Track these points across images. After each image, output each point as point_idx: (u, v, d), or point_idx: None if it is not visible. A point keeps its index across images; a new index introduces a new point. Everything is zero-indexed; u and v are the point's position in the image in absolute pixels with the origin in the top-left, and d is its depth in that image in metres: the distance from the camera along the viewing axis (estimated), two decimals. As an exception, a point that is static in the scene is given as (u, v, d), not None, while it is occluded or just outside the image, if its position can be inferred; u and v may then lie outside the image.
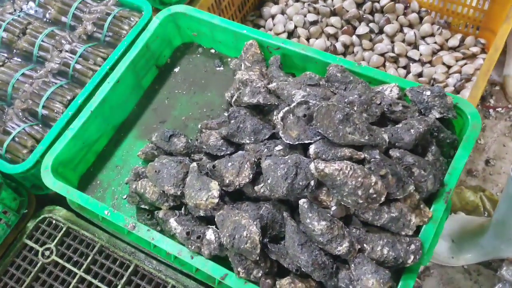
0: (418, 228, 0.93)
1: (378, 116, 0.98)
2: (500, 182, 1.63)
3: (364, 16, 1.74)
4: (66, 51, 1.37)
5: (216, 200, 0.94)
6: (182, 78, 1.36)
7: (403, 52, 1.68)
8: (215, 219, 0.96)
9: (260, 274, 0.92)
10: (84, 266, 1.12)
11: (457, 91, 1.58)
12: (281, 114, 0.97)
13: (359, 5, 1.77)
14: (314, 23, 1.74)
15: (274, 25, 1.80)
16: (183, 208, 1.04)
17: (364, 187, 0.85)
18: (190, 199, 0.97)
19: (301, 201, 0.88)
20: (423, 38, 1.74)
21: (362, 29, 1.71)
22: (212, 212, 0.98)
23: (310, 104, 0.96)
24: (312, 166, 0.86)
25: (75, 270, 1.12)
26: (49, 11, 1.48)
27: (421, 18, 1.76)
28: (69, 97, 1.29)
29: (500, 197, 1.29)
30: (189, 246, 0.96)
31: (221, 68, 1.36)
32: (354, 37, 1.72)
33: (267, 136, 1.01)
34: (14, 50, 1.45)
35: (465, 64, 1.66)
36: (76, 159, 1.21)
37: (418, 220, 0.92)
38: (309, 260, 0.85)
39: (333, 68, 1.08)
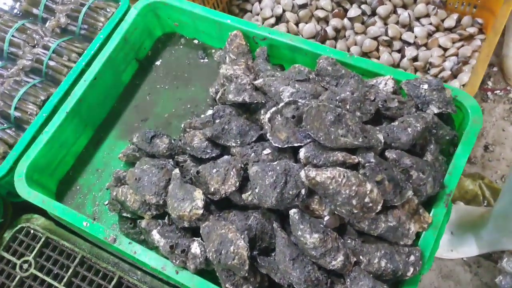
0: (418, 234, 0.87)
1: (372, 114, 0.91)
2: (500, 169, 1.58)
3: (355, -3, 1.65)
4: (39, 46, 1.28)
5: (201, 211, 0.87)
6: (164, 72, 1.28)
7: (397, 35, 1.60)
8: (200, 231, 0.89)
9: (249, 289, 0.86)
10: (65, 280, 1.05)
11: (454, 75, 1.51)
12: (268, 115, 0.89)
13: (350, -14, 1.68)
14: (303, 6, 1.65)
15: (261, 9, 1.71)
16: (166, 217, 0.97)
17: (358, 196, 0.78)
18: (172, 210, 0.90)
19: (292, 212, 0.82)
20: (417, 19, 1.65)
21: (353, 11, 1.62)
22: (197, 222, 0.91)
23: (299, 104, 0.88)
24: (302, 174, 0.80)
25: (55, 284, 1.05)
26: (19, 3, 1.38)
27: (415, -2, 1.67)
28: (43, 97, 1.21)
29: (502, 189, 1.24)
30: (174, 261, 0.90)
31: (205, 60, 1.28)
32: (345, 20, 1.63)
33: (254, 139, 0.94)
34: (-17, 46, 1.36)
35: (462, 45, 1.58)
36: (53, 163, 1.14)
37: (417, 227, 0.86)
38: (302, 277, 0.79)
39: (323, 61, 1.00)
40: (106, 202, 1.11)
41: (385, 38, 1.58)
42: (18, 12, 1.39)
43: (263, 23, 1.70)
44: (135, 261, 1.03)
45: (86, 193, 1.15)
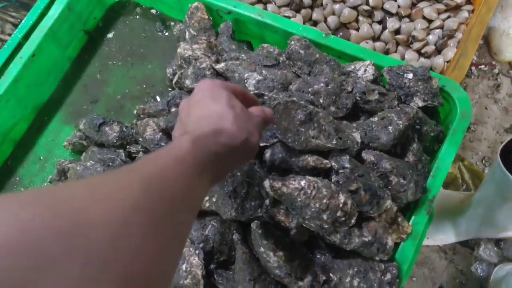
0: (395, 244, 0.78)
1: (349, 109, 0.79)
2: (481, 150, 1.49)
3: (335, -39, 1.49)
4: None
5: (150, 220, 0.76)
6: (117, 46, 1.13)
7: (378, 4, 1.46)
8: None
9: (206, 308, 0.76)
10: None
11: (438, 50, 1.39)
12: (229, 109, 0.77)
13: None
14: (277, -31, 1.49)
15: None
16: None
17: (330, 210, 0.68)
18: (118, 217, 0.78)
19: (254, 225, 0.71)
20: (401, -14, 1.51)
21: (332, -24, 1.47)
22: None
23: (265, 98, 0.76)
24: (266, 183, 0.68)
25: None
26: None
27: (399, -38, 1.52)
28: (-27, 76, 1.05)
29: (484, 177, 1.15)
30: (121, 273, 0.79)
31: (164, 33, 1.13)
32: (323, -14, 1.48)
33: (213, 134, 0.82)
34: None
35: (448, 17, 1.45)
36: (-13, 152, 1.00)
37: (395, 237, 0.77)
38: (263, 300, 0.70)
39: (295, 43, 0.87)
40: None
41: (366, 7, 1.43)
42: None
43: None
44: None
45: (27, 185, 1.02)
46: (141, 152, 0.93)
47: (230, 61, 0.87)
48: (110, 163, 0.88)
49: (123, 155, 0.92)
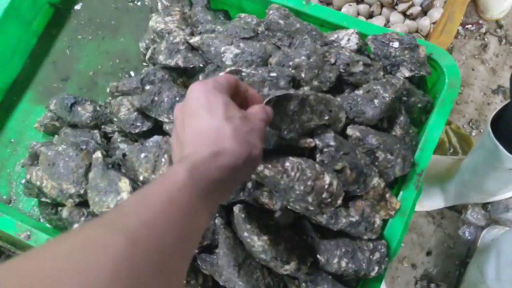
0: (383, 221, 0.76)
1: (332, 82, 0.75)
2: (468, 113, 1.47)
3: None
4: None
5: (128, 207, 0.72)
6: (86, 19, 1.06)
7: (362, -37, 1.39)
8: (129, 229, 0.75)
9: (191, 293, 0.74)
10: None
11: (424, 11, 1.34)
12: (205, 87, 0.72)
13: None
14: None
15: None
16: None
17: (315, 192, 0.65)
18: (94, 205, 0.75)
19: (236, 209, 0.68)
20: None
21: None
22: (126, 216, 0.76)
23: (243, 74, 0.71)
24: (247, 166, 0.65)
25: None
26: None
27: None
28: None
29: (474, 144, 1.14)
30: (100, 262, 0.76)
31: (136, 3, 1.06)
32: None
33: (190, 114, 0.77)
34: None
35: (434, -24, 1.40)
36: (-46, 138, 0.95)
37: (383, 214, 0.74)
38: (249, 287, 0.67)
39: (274, 12, 0.81)
40: (23, 181, 0.94)
41: (348, -32, 1.37)
42: None
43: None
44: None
45: (-1, 169, 0.98)
46: (116, 133, 0.88)
47: (206, 34, 0.82)
48: (84, 146, 0.84)
49: (98, 136, 0.88)
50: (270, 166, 0.64)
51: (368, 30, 0.84)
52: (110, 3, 1.06)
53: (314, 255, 0.71)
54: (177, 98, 0.77)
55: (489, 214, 1.35)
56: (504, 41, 1.51)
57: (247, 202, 0.70)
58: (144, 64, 1.01)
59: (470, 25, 1.54)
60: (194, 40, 0.81)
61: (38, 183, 0.84)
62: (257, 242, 0.67)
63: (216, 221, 0.72)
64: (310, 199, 0.65)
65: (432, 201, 1.33)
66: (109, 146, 0.87)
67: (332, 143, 0.68)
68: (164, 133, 0.78)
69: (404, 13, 1.34)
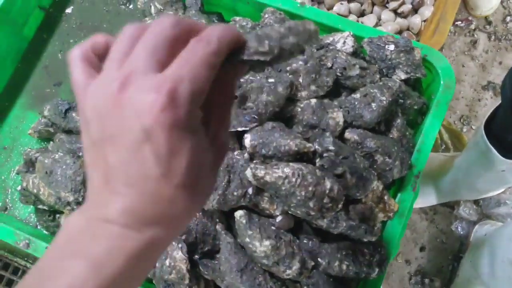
0: (382, 223, 0.77)
1: (330, 86, 0.75)
2: (459, 109, 1.48)
3: None
4: None
5: (128, 215, 0.72)
6: (78, 22, 1.05)
7: (352, -38, 1.39)
8: (130, 237, 0.74)
9: (192, 299, 0.74)
10: (-22, 282, 0.90)
11: (415, 9, 1.35)
12: (204, 93, 0.72)
13: None
14: None
15: None
16: (90, 213, 0.82)
17: (316, 197, 0.65)
18: (93, 213, 0.74)
19: (238, 215, 0.68)
20: None
21: None
22: (125, 224, 0.76)
23: (242, 80, 0.71)
24: (248, 173, 0.65)
25: (-34, 288, 0.90)
26: None
27: None
28: None
29: (468, 143, 1.15)
30: (101, 270, 0.76)
31: (128, 7, 1.05)
32: None
33: (188, 120, 0.77)
34: None
35: (424, -27, 1.41)
36: None
37: (381, 216, 0.75)
38: (252, 292, 0.68)
39: (269, 16, 0.81)
40: (19, 188, 0.93)
41: (339, -34, 1.37)
42: None
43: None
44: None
45: (-6, 177, 0.96)
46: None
47: (202, 39, 0.81)
48: (81, 153, 0.83)
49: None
50: (271, 172, 0.64)
51: (363, 32, 0.84)
52: (101, 6, 1.05)
53: (315, 259, 0.71)
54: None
55: (481, 209, 1.37)
56: (493, 37, 1.53)
57: (247, 208, 0.71)
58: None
59: (460, 22, 1.55)
60: (190, 45, 0.80)
61: (35, 190, 0.83)
62: (259, 248, 0.67)
63: (217, 226, 0.72)
64: (311, 204, 0.65)
65: (425, 198, 1.34)
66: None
67: (331, 147, 0.69)
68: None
69: (395, 11, 1.35)
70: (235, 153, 0.70)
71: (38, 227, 0.91)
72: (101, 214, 0.31)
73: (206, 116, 0.34)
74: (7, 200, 0.94)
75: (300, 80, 0.73)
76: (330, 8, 1.32)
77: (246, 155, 0.70)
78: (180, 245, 0.70)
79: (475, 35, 1.54)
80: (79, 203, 0.80)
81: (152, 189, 0.30)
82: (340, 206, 0.68)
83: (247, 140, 0.70)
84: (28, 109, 1.00)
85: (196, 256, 0.74)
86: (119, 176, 0.30)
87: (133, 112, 0.29)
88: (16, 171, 0.93)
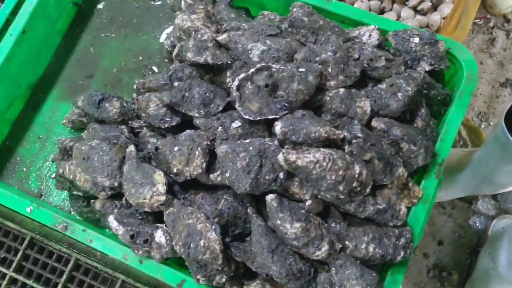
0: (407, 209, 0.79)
1: (357, 76, 0.78)
2: (477, 106, 1.50)
3: None
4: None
5: (163, 198, 0.76)
6: (109, 17, 1.09)
7: (372, -40, 1.42)
8: (164, 219, 0.78)
9: (224, 280, 0.77)
10: (14, 264, 0.94)
11: (434, 6, 1.37)
12: (236, 82, 0.75)
13: None
14: None
15: None
16: (124, 198, 0.85)
17: (346, 181, 0.68)
18: (130, 196, 0.78)
19: (269, 198, 0.71)
20: None
21: None
22: (159, 207, 0.79)
23: (273, 70, 0.74)
24: (280, 157, 0.68)
25: (3, 269, 0.94)
26: None
27: None
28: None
29: (486, 137, 1.17)
30: (136, 251, 0.79)
31: (157, 2, 1.09)
32: None
33: (220, 108, 0.80)
34: None
35: (443, -29, 1.43)
36: (-16, 135, 0.98)
37: (406, 202, 0.78)
38: (283, 271, 0.71)
39: (297, 10, 0.84)
40: (54, 175, 0.97)
41: (359, -36, 1.40)
42: None
43: None
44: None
45: (29, 165, 1.00)
46: (144, 128, 0.91)
47: (232, 31, 0.85)
48: (115, 141, 0.87)
49: (126, 131, 0.91)
50: (302, 156, 0.67)
51: (388, 26, 0.87)
52: (131, 2, 1.09)
53: (343, 242, 0.74)
54: (207, 94, 0.80)
55: (499, 204, 1.39)
56: (511, 35, 1.54)
57: (277, 192, 0.74)
58: (166, 61, 1.04)
59: (478, 20, 1.57)
60: (222, 37, 0.84)
61: (71, 176, 0.87)
62: (290, 230, 0.70)
63: (248, 210, 0.76)
64: (341, 188, 0.68)
65: (443, 193, 1.36)
66: (138, 141, 0.89)
67: (359, 134, 0.72)
68: (195, 127, 0.82)
69: (415, 9, 1.37)
70: (266, 139, 0.73)
71: (72, 213, 0.94)
72: None
73: None
74: (42, 187, 0.98)
75: (329, 70, 0.76)
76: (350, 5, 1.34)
77: (276, 142, 0.73)
78: (213, 227, 0.73)
79: (493, 33, 1.55)
80: (113, 188, 0.84)
81: None
82: (368, 190, 0.71)
83: (278, 127, 0.73)
84: (61, 100, 1.04)
85: (227, 239, 0.77)
86: None
87: None
88: (51, 159, 0.97)
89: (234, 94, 0.75)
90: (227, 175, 0.72)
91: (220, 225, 0.74)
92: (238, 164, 0.70)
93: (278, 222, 0.71)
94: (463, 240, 1.39)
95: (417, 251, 1.39)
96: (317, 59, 0.77)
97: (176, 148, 0.78)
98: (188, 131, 0.79)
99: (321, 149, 0.68)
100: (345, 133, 0.72)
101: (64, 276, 0.93)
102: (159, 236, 0.78)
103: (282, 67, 0.74)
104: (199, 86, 0.81)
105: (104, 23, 1.08)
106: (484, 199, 1.39)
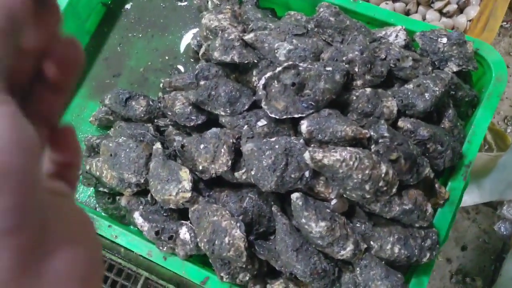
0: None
1: (384, 76, 0.78)
2: (503, 110, 1.48)
3: None
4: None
5: (189, 195, 0.76)
6: (136, 18, 1.11)
7: (397, -38, 1.41)
8: (189, 216, 0.79)
9: (247, 278, 0.77)
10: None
11: (460, 9, 1.36)
12: (263, 81, 0.75)
13: None
14: None
15: None
16: (149, 195, 0.86)
17: (372, 180, 0.68)
18: (156, 193, 0.79)
19: (294, 197, 0.71)
20: None
21: None
22: (184, 204, 0.80)
23: (300, 68, 0.74)
24: (306, 155, 0.68)
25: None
26: None
27: None
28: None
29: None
30: (160, 247, 0.80)
31: (184, 3, 1.10)
32: None
33: (246, 107, 0.81)
34: None
35: (469, -26, 1.42)
36: (14, 131, 0.99)
37: (432, 203, 0.77)
38: (307, 270, 0.70)
39: (324, 10, 0.85)
40: (80, 172, 0.99)
41: (385, -34, 1.39)
42: None
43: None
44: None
45: (56, 162, 1.02)
46: (170, 126, 0.92)
47: (259, 31, 0.85)
48: (141, 138, 0.88)
49: (152, 129, 0.92)
50: (328, 155, 0.67)
51: (415, 26, 0.86)
52: (158, 3, 1.11)
53: (368, 242, 0.74)
54: (233, 92, 0.81)
55: (525, 209, 1.36)
56: (539, 38, 1.52)
57: (302, 191, 0.74)
58: (192, 60, 1.05)
59: (505, 23, 1.55)
60: (249, 36, 0.84)
61: (97, 173, 0.88)
62: (315, 229, 0.70)
63: (273, 208, 0.76)
64: (367, 187, 0.68)
65: (468, 197, 1.34)
66: (164, 138, 0.91)
67: (386, 133, 0.71)
68: (221, 126, 0.82)
69: (440, 11, 1.36)
70: (292, 137, 0.73)
71: (97, 209, 0.96)
72: None
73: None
74: (69, 183, 1.00)
75: (356, 69, 0.76)
76: (375, 7, 1.34)
77: (301, 140, 0.73)
78: (238, 224, 0.73)
79: (521, 36, 1.53)
80: (139, 185, 0.85)
81: None
82: (394, 190, 0.70)
83: (304, 126, 0.74)
84: (89, 98, 1.06)
85: (251, 237, 0.77)
86: None
87: None
88: (78, 155, 0.99)
89: (260, 93, 0.75)
90: (253, 173, 0.72)
91: (244, 222, 0.75)
92: (263, 162, 0.71)
93: (303, 220, 0.71)
94: (488, 246, 1.37)
95: (440, 256, 1.37)
96: (344, 58, 0.77)
97: (202, 146, 0.78)
98: (214, 129, 0.80)
99: (348, 148, 0.68)
100: (372, 133, 0.72)
101: (89, 271, 0.95)
102: (184, 233, 0.79)
103: (309, 66, 0.74)
104: (225, 84, 0.81)
105: (131, 23, 1.10)
106: (510, 204, 1.36)
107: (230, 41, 0.84)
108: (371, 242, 0.73)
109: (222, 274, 0.77)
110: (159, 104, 0.94)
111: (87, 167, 0.91)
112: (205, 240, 0.74)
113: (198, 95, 0.83)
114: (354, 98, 0.76)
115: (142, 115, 0.93)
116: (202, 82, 0.86)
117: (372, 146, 0.72)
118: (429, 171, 0.74)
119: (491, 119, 0.81)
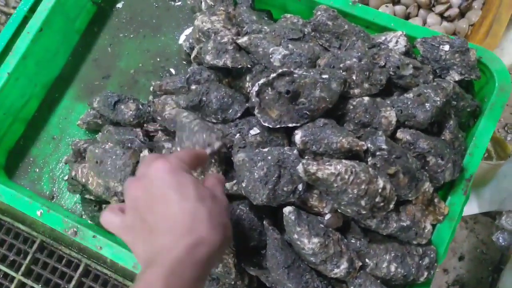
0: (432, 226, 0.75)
1: (383, 85, 0.74)
2: (503, 117, 1.45)
3: None
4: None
5: (176, 206, 0.72)
6: (128, 17, 1.07)
7: (398, -36, 1.38)
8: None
9: (236, 294, 0.74)
10: (23, 268, 0.92)
11: (462, 13, 1.33)
12: (256, 88, 0.72)
13: None
14: None
15: None
16: (136, 204, 0.82)
17: (368, 196, 0.64)
18: (142, 203, 0.75)
19: (287, 210, 0.68)
20: None
21: None
22: (172, 215, 0.76)
23: (295, 75, 0.71)
24: (300, 168, 0.65)
25: (12, 273, 0.92)
26: None
27: None
28: (-23, 53, 1.00)
29: None
30: (146, 260, 0.77)
31: (177, 3, 1.06)
32: None
33: (238, 114, 0.77)
34: None
35: (472, -23, 1.38)
36: (-2, 132, 0.96)
37: (431, 219, 0.74)
38: (299, 289, 0.67)
39: (321, 13, 0.81)
40: (66, 177, 0.95)
41: (385, -32, 1.36)
42: None
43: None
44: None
45: (42, 166, 0.98)
46: (160, 131, 0.89)
47: (253, 34, 0.82)
48: (129, 144, 0.85)
49: (141, 134, 0.88)
50: (323, 167, 0.64)
51: (416, 32, 0.83)
52: (151, 2, 1.07)
53: (363, 259, 0.70)
54: (225, 99, 0.77)
55: (525, 220, 1.33)
56: (541, 44, 1.49)
57: (295, 205, 0.70)
58: (184, 62, 1.01)
59: (506, 28, 1.51)
60: (242, 40, 0.80)
61: (83, 180, 0.85)
62: (308, 245, 0.66)
63: (264, 222, 0.72)
64: (363, 203, 0.64)
65: (466, 207, 1.31)
66: (152, 145, 0.87)
67: (384, 146, 0.68)
68: (211, 133, 0.78)
69: (441, 15, 1.32)
70: (285, 148, 0.69)
71: (83, 217, 0.92)
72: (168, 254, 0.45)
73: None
74: (54, 189, 0.96)
75: (354, 77, 0.72)
76: (375, 10, 1.30)
77: (295, 151, 0.69)
78: (227, 238, 0.69)
79: (523, 42, 1.50)
80: (126, 193, 0.81)
81: (177, 209, 0.47)
82: (392, 206, 0.67)
83: (298, 136, 0.70)
84: (76, 100, 1.02)
85: (242, 252, 0.73)
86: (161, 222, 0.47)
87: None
88: (64, 160, 0.95)
89: (253, 100, 0.72)
90: (244, 185, 0.69)
91: (234, 236, 0.71)
92: (255, 173, 0.67)
93: (295, 236, 0.67)
94: (485, 256, 1.34)
95: (437, 266, 1.34)
96: (341, 65, 0.73)
97: (191, 155, 0.75)
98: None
99: (343, 160, 0.65)
100: (369, 145, 0.68)
101: (73, 282, 0.91)
102: (171, 245, 0.75)
103: (304, 73, 0.71)
104: (217, 90, 0.78)
105: (122, 23, 1.06)
106: (509, 214, 1.33)
107: (223, 45, 0.80)
108: (367, 260, 0.70)
109: (210, 290, 0.73)
110: (149, 108, 0.90)
111: (73, 173, 0.87)
112: (193, 254, 0.70)
113: (188, 100, 0.79)
114: (351, 107, 0.73)
115: (131, 119, 0.90)
116: (193, 87, 0.82)
117: (369, 159, 0.68)
118: (429, 185, 0.70)
119: (493, 131, 0.77)
